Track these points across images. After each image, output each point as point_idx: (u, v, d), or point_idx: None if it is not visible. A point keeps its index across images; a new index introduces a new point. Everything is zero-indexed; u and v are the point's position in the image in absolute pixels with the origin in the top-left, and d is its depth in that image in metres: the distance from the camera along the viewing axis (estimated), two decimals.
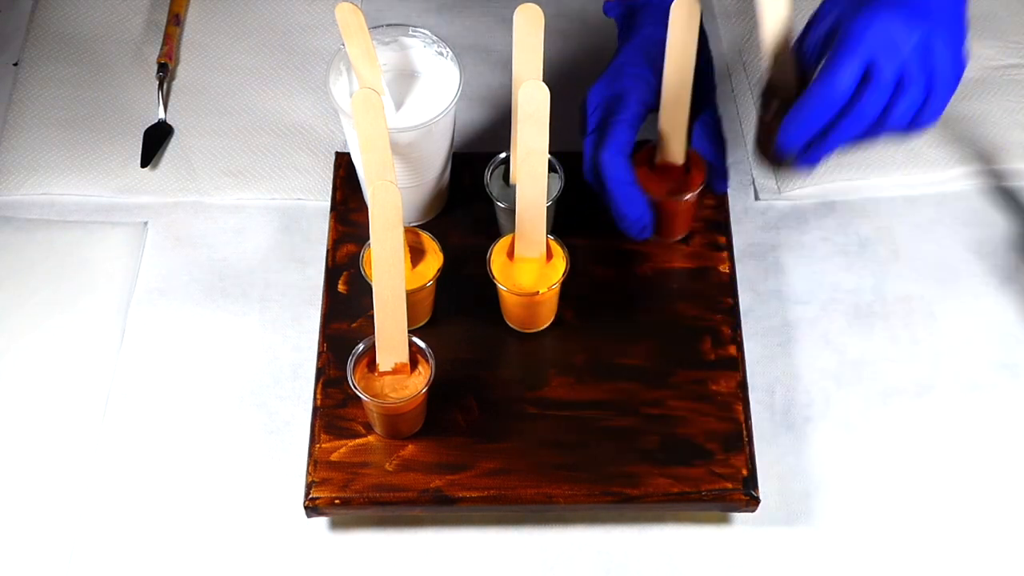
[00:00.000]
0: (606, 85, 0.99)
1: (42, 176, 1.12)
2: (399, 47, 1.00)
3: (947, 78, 0.87)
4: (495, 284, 0.95)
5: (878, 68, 0.85)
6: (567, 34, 1.23)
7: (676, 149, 0.98)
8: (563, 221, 1.04)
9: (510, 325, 1.00)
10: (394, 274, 0.88)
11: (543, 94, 0.90)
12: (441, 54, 0.99)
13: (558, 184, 1.00)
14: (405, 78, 1.00)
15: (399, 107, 0.98)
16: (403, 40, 1.00)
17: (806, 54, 0.90)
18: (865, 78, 0.86)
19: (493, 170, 1.01)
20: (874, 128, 0.88)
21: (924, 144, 1.13)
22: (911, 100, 0.86)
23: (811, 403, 1.01)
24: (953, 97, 1.15)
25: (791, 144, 0.88)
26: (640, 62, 0.99)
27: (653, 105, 0.98)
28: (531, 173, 0.92)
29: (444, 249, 0.97)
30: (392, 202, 0.86)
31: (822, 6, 0.90)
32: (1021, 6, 1.23)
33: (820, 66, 0.88)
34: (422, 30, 0.99)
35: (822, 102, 0.86)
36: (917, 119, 0.88)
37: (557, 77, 1.19)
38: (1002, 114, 1.13)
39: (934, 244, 1.09)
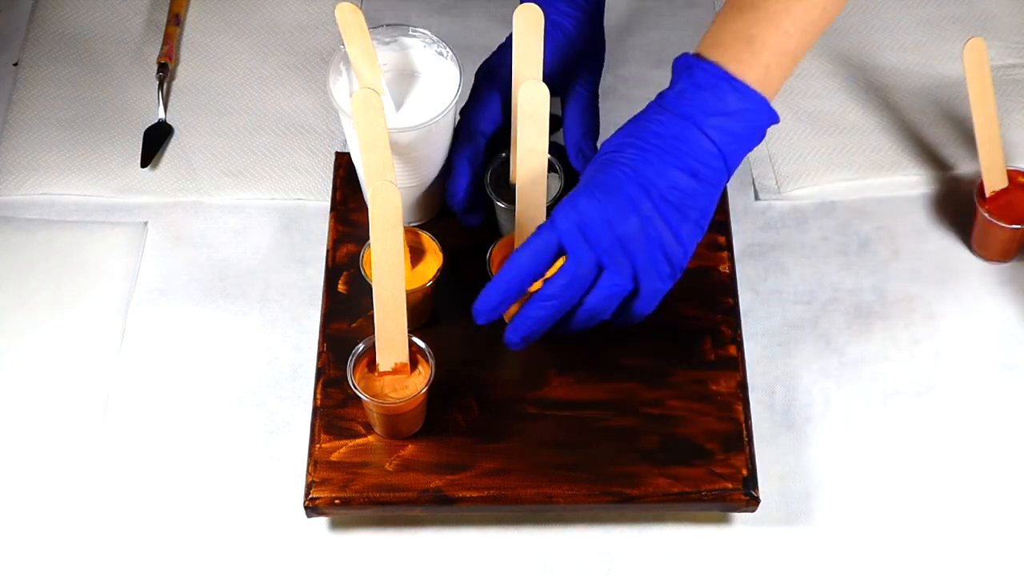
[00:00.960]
0: (487, 84, 1.01)
1: (42, 176, 1.12)
2: (399, 47, 1.00)
3: (658, 271, 0.88)
4: None
5: (570, 251, 0.87)
6: None
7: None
8: None
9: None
10: (394, 274, 0.88)
11: (543, 94, 0.90)
12: (441, 54, 0.99)
13: (558, 184, 1.00)
14: (405, 78, 1.00)
15: (399, 107, 0.98)
16: (403, 40, 1.00)
17: None
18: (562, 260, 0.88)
19: (493, 170, 1.01)
20: (577, 311, 0.89)
21: (924, 144, 1.13)
22: (610, 288, 0.88)
23: (811, 403, 1.01)
24: (953, 98, 1.16)
25: (480, 310, 0.90)
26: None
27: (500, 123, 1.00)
28: (531, 173, 0.92)
29: (444, 249, 0.97)
30: (392, 202, 0.86)
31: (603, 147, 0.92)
32: (1021, 6, 1.23)
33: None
34: (422, 30, 0.99)
35: (507, 272, 0.89)
36: (628, 307, 0.90)
37: None
38: (1002, 114, 1.13)
39: (934, 244, 1.09)
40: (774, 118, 0.88)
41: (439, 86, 0.99)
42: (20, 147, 1.14)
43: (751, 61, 0.87)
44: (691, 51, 0.90)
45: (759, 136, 0.88)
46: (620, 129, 0.90)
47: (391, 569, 0.93)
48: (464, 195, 0.99)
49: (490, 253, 0.96)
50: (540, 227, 0.88)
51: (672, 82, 0.89)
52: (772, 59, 0.87)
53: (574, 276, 0.87)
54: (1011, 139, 1.13)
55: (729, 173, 0.88)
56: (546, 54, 0.97)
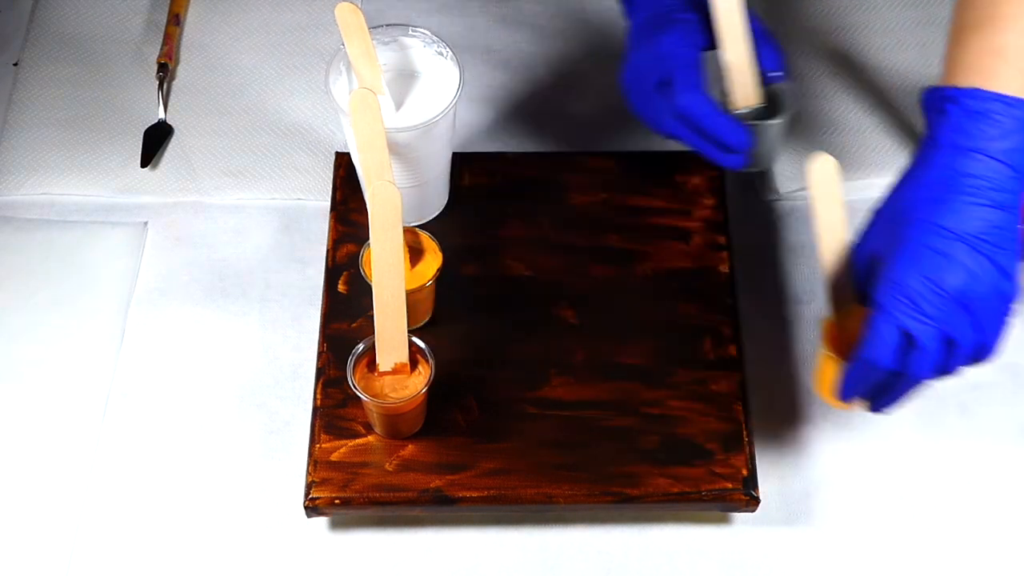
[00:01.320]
0: (650, 42, 0.95)
1: (42, 176, 1.12)
2: (399, 47, 1.00)
3: (994, 315, 0.82)
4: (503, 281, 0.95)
5: (915, 335, 0.81)
6: (567, 34, 1.23)
7: (747, 83, 0.98)
8: (563, 220, 1.04)
9: None
10: (394, 274, 0.88)
11: (834, 167, 0.89)
12: (441, 54, 0.99)
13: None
14: (405, 78, 1.00)
15: (399, 107, 0.98)
16: (403, 40, 1.00)
17: (858, 272, 0.88)
18: (910, 341, 0.82)
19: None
20: (936, 377, 0.84)
21: None
22: (963, 351, 0.83)
23: (811, 403, 1.01)
24: None
25: (847, 398, 0.87)
26: (678, 5, 0.96)
27: (706, 45, 0.96)
28: (834, 249, 0.89)
29: (444, 249, 0.97)
30: (392, 202, 0.86)
31: (868, 225, 0.88)
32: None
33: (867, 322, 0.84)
34: (422, 30, 0.99)
35: (864, 371, 0.84)
36: (977, 356, 0.84)
37: (557, 77, 1.19)
38: None
39: None
40: None
41: (439, 86, 0.99)
42: (20, 147, 1.14)
43: (1008, 72, 0.82)
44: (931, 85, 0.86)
45: None
46: (902, 182, 0.86)
47: (391, 569, 0.94)
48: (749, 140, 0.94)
49: (824, 326, 0.91)
50: (873, 318, 0.82)
51: (932, 121, 0.85)
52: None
53: (931, 360, 0.82)
54: None
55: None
56: None
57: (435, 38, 0.99)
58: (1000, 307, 0.82)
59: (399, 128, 0.94)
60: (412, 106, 0.98)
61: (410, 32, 0.99)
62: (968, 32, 0.85)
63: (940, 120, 0.84)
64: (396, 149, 0.95)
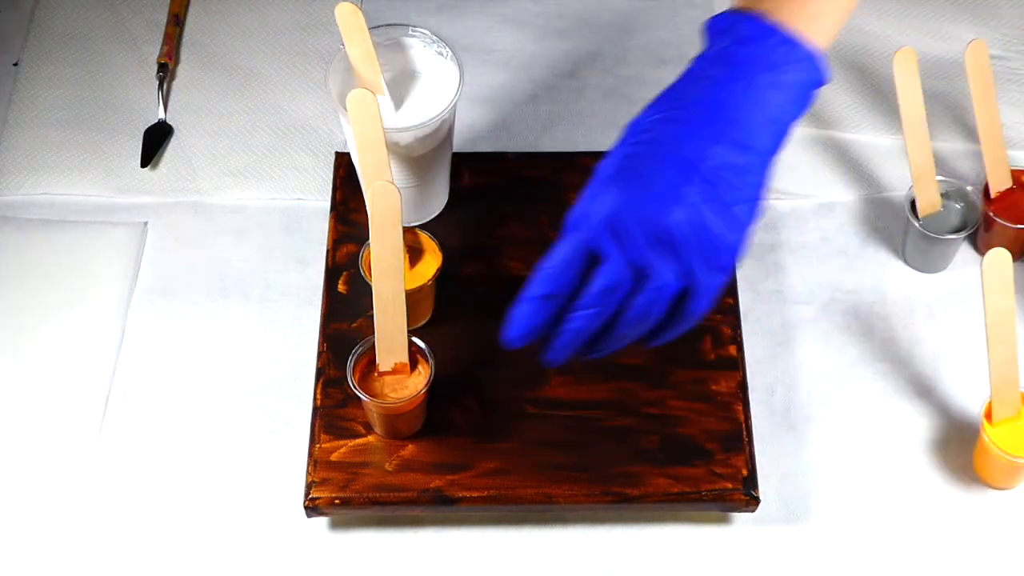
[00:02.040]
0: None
1: (42, 176, 1.12)
2: (399, 47, 1.00)
3: (710, 264, 0.74)
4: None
5: (603, 254, 0.74)
6: (567, 34, 1.23)
7: (932, 189, 1.04)
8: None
9: None
10: (394, 274, 0.88)
11: (1007, 258, 0.89)
12: (441, 54, 0.99)
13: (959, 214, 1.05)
14: (405, 78, 1.00)
15: (399, 107, 0.98)
16: (403, 40, 1.00)
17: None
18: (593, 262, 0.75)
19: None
20: (622, 318, 0.76)
21: None
22: (656, 290, 0.74)
23: (811, 403, 1.01)
24: (955, 99, 1.16)
25: (511, 336, 0.78)
26: None
27: None
28: (1006, 336, 0.90)
29: (444, 249, 0.97)
30: (391, 202, 0.86)
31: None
32: (1017, 2, 1.23)
33: None
34: (422, 30, 0.99)
35: (534, 290, 0.76)
36: (681, 308, 0.76)
37: (557, 77, 1.19)
38: None
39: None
40: (825, 76, 0.77)
41: (439, 86, 0.99)
42: (20, 147, 1.14)
43: (797, 7, 0.76)
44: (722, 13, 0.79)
45: (809, 98, 0.77)
46: (652, 103, 0.77)
47: (391, 569, 0.93)
48: None
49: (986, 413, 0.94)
50: (565, 229, 0.76)
51: (709, 44, 0.78)
52: (821, 5, 0.76)
53: (612, 282, 0.74)
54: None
55: (783, 139, 0.76)
56: None
57: (435, 38, 0.99)
58: (713, 258, 0.74)
59: (399, 128, 0.94)
60: (412, 106, 0.98)
61: (410, 32, 0.99)
62: None
63: (713, 42, 0.78)
64: (396, 149, 0.95)
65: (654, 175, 0.74)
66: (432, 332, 0.98)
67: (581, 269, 0.76)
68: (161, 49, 1.19)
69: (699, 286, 0.75)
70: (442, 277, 0.96)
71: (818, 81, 0.77)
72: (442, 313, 1.00)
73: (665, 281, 0.74)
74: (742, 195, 0.75)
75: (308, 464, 0.93)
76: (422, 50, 1.00)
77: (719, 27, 0.78)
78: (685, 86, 0.76)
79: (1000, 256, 0.89)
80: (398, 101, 0.98)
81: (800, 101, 0.76)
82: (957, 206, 1.06)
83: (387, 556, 0.94)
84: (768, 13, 0.76)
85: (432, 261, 0.96)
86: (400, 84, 0.99)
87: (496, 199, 1.06)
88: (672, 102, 0.76)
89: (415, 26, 1.00)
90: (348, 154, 1.07)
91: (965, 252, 1.08)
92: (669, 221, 0.73)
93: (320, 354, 0.98)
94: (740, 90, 0.74)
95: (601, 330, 0.78)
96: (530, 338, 0.78)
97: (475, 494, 0.92)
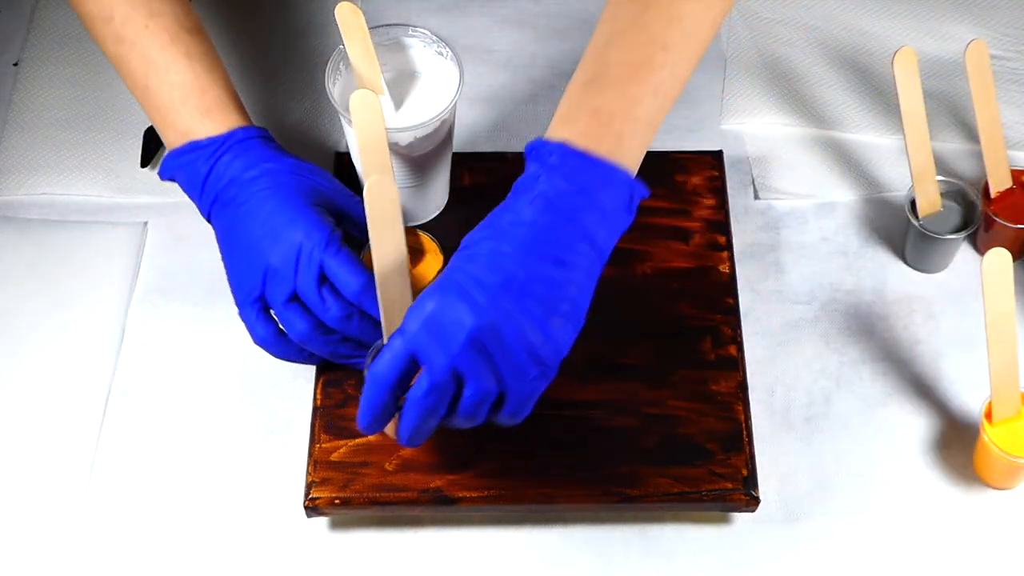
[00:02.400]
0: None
1: (42, 176, 1.12)
2: (399, 47, 1.00)
3: (522, 373, 0.80)
4: None
5: (420, 359, 0.79)
6: (567, 34, 1.23)
7: (932, 189, 1.04)
8: None
9: None
10: (399, 272, 0.87)
11: (1007, 259, 0.89)
12: (441, 54, 0.99)
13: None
14: (405, 78, 1.00)
15: (399, 107, 0.98)
16: (403, 40, 1.00)
17: None
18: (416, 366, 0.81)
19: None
20: (454, 414, 0.82)
21: None
22: (473, 395, 0.80)
23: (811, 403, 1.01)
24: (955, 99, 1.16)
25: (361, 426, 0.84)
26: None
27: None
28: (1004, 337, 0.90)
29: (444, 250, 0.97)
30: (389, 196, 0.85)
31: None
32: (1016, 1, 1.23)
33: None
34: (422, 30, 0.99)
35: (369, 388, 0.82)
36: (501, 413, 0.82)
37: (558, 77, 1.19)
38: None
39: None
40: (643, 191, 0.83)
41: (439, 86, 0.99)
42: (20, 147, 1.14)
43: (601, 132, 0.82)
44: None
45: (630, 212, 0.83)
46: (480, 223, 0.83)
47: (391, 569, 0.93)
48: None
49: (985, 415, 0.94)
50: (393, 334, 0.81)
51: (526, 169, 0.84)
52: (624, 127, 0.82)
53: (432, 384, 0.79)
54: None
55: (602, 257, 0.82)
56: None
57: (435, 38, 0.99)
58: (525, 368, 0.80)
59: (399, 128, 0.94)
60: (412, 106, 0.98)
61: (410, 32, 0.99)
62: (578, 87, 0.84)
63: (527, 167, 0.83)
64: (396, 149, 0.95)
65: (471, 287, 0.79)
66: None
67: (408, 371, 0.81)
68: None
69: (512, 394, 0.81)
70: None
71: (636, 195, 0.83)
72: None
73: (479, 388, 0.80)
74: (558, 309, 0.80)
75: (308, 464, 0.93)
76: (422, 50, 1.00)
77: (530, 151, 0.83)
78: (505, 208, 0.82)
79: (1000, 256, 0.89)
80: (398, 101, 0.98)
81: (616, 214, 0.82)
82: (957, 206, 1.06)
83: (387, 556, 0.94)
84: (571, 140, 0.82)
85: (433, 262, 0.96)
86: (400, 84, 0.99)
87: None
88: (494, 222, 0.82)
89: (415, 26, 1.00)
90: (348, 154, 1.07)
91: (965, 252, 1.08)
92: (481, 329, 0.78)
93: None
94: (551, 212, 0.80)
95: (438, 421, 0.83)
96: (376, 428, 0.84)
97: (475, 494, 0.92)
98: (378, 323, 0.89)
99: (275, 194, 0.91)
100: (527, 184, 0.82)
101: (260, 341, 0.93)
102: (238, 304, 0.93)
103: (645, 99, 0.83)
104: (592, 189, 0.81)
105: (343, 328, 0.91)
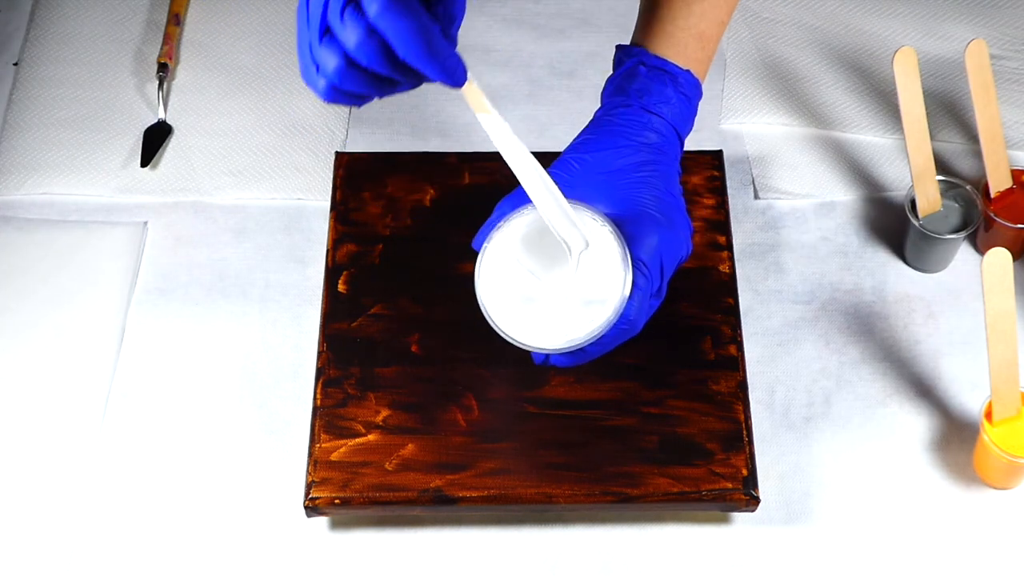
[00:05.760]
0: None
1: (42, 176, 1.12)
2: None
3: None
4: None
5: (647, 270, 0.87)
6: (567, 34, 1.23)
7: (932, 189, 1.04)
8: None
9: None
10: (1009, 340, 0.91)
11: (1007, 259, 0.90)
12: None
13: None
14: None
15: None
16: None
17: None
18: None
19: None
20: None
21: None
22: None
23: (811, 403, 1.01)
24: (955, 99, 1.16)
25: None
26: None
27: None
28: (1005, 337, 0.91)
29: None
30: (1004, 266, 0.90)
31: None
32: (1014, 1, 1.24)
33: None
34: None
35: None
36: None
37: (558, 77, 1.19)
38: None
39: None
40: (699, 90, 0.93)
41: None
42: (20, 147, 1.14)
43: (700, 58, 0.93)
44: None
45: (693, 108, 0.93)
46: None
47: (391, 569, 0.94)
48: None
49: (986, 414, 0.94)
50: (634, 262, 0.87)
51: (652, 83, 0.93)
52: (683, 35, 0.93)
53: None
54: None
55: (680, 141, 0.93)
56: None
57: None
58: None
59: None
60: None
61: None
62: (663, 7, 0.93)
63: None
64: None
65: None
66: (432, 332, 0.98)
67: None
68: (161, 49, 1.19)
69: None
70: (441, 277, 0.96)
71: (696, 94, 0.93)
72: (441, 312, 1.00)
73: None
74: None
75: (308, 464, 0.93)
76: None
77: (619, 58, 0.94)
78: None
79: (1000, 256, 0.89)
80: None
81: (684, 106, 0.93)
82: (957, 206, 1.06)
83: (387, 556, 0.94)
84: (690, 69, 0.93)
85: None
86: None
87: (496, 199, 1.06)
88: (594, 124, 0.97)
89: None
90: (348, 154, 1.07)
91: (965, 252, 1.08)
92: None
93: (320, 354, 0.98)
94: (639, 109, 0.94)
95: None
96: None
97: (475, 494, 0.92)
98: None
99: None
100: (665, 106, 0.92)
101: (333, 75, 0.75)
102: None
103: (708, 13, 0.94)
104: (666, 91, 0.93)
105: (361, 58, 0.73)
